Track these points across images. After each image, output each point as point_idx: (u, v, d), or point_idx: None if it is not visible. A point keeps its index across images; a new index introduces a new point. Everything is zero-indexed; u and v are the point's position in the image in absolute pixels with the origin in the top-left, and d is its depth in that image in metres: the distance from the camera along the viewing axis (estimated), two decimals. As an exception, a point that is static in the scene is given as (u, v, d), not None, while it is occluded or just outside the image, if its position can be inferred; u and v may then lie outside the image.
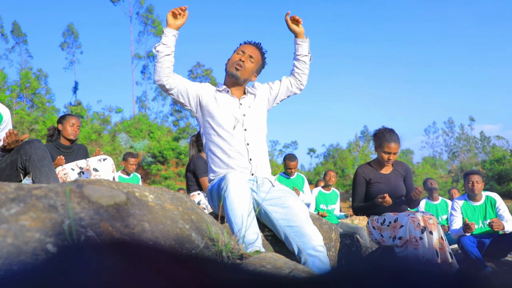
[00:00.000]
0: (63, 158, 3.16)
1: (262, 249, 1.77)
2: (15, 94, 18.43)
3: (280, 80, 2.40)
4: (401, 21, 57.94)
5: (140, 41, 37.55)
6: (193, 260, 0.58)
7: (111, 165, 3.18)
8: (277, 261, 1.12)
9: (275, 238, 2.11)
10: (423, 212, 2.79)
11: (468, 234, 3.44)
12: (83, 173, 3.12)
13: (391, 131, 3.02)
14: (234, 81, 2.28)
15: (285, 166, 5.13)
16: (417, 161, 33.20)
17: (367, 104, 63.05)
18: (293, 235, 1.97)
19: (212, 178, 2.22)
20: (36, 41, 51.26)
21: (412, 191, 2.92)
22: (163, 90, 2.21)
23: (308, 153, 33.40)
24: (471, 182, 3.71)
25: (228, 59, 2.34)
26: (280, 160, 27.44)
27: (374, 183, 3.00)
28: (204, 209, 3.36)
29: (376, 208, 2.92)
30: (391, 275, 0.44)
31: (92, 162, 3.15)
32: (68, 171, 3.09)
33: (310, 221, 2.02)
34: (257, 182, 2.14)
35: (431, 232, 2.60)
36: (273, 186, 2.17)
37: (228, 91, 2.28)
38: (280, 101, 2.42)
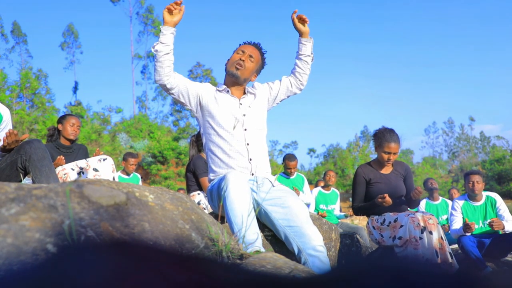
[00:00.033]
0: (63, 158, 3.16)
1: (262, 249, 1.77)
2: (15, 94, 18.43)
3: (280, 80, 2.40)
4: (401, 21, 58.00)
5: (140, 41, 37.63)
6: (193, 260, 0.58)
7: (111, 165, 3.18)
8: (277, 261, 1.12)
9: (275, 238, 2.11)
10: (423, 212, 2.79)
11: (468, 234, 3.45)
12: (83, 173, 3.12)
13: (391, 131, 3.02)
14: (234, 81, 2.28)
15: (285, 166, 5.13)
16: (417, 161, 33.23)
17: (367, 104, 63.11)
18: (293, 235, 1.97)
19: (212, 178, 2.22)
20: (36, 41, 51.36)
21: (412, 191, 2.92)
22: (164, 89, 2.21)
23: (308, 153, 33.42)
24: (471, 182, 3.71)
25: (228, 59, 2.34)
26: (280, 160, 27.43)
27: (374, 183, 3.00)
28: (204, 209, 3.36)
29: (376, 208, 2.92)
30: (391, 275, 0.44)
31: (92, 162, 3.15)
32: (68, 171, 3.09)
33: (310, 221, 2.02)
34: (257, 182, 2.14)
35: (431, 232, 2.60)
36: (273, 186, 2.16)
37: (228, 91, 2.28)
38: (280, 101, 2.42)
